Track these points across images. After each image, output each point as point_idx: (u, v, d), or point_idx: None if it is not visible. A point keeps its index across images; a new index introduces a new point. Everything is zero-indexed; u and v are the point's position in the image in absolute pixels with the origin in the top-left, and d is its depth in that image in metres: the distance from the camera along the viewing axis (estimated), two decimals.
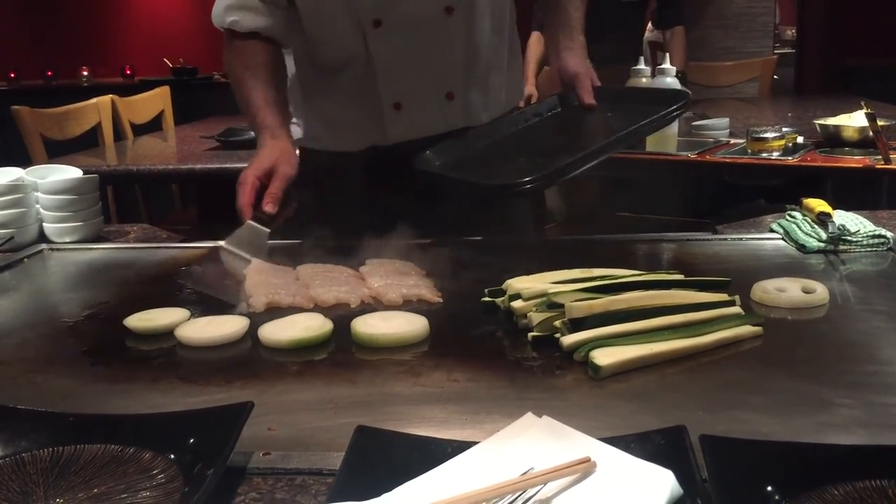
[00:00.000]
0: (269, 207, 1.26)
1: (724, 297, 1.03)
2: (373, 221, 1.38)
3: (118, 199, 3.33)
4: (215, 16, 1.42)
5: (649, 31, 4.31)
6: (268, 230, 1.26)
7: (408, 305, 1.11)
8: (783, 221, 1.39)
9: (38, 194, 1.49)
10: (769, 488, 0.62)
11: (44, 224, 1.49)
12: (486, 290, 1.10)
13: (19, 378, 0.94)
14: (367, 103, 1.43)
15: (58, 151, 3.03)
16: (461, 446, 0.68)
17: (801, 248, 1.29)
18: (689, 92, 1.50)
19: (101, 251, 1.45)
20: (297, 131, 1.56)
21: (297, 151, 1.42)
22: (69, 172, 1.57)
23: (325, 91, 1.49)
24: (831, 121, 2.45)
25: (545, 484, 0.62)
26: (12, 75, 6.81)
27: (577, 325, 0.94)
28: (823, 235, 1.28)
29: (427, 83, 1.42)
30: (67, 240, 1.48)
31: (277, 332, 1.00)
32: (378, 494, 0.61)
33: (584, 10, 1.51)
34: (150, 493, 0.66)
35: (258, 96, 1.37)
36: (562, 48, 1.47)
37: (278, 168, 1.28)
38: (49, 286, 1.29)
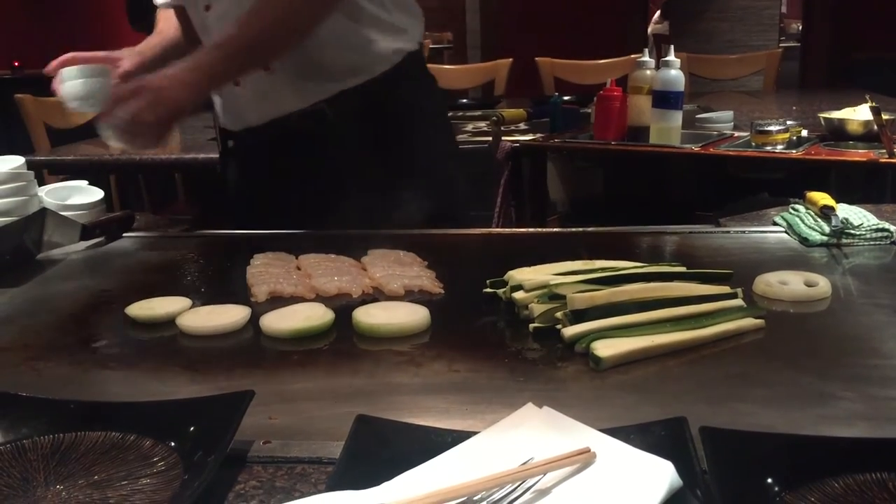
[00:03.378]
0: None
1: (726, 289, 1.03)
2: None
3: (121, 188, 3.33)
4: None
5: (655, 24, 4.30)
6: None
7: (409, 296, 1.11)
8: (786, 214, 1.39)
9: (43, 195, 1.50)
10: (769, 480, 0.62)
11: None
12: (487, 282, 1.09)
13: (21, 365, 0.95)
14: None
15: (61, 140, 3.03)
16: (461, 436, 0.68)
17: (804, 241, 1.29)
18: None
19: (102, 239, 1.45)
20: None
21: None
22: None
23: None
24: (836, 114, 2.44)
25: (545, 474, 0.62)
26: (16, 64, 6.80)
27: (578, 316, 0.94)
28: (826, 229, 1.28)
29: None
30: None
31: (279, 321, 1.00)
32: (378, 483, 0.61)
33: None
34: (151, 480, 0.67)
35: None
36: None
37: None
38: (50, 274, 1.29)
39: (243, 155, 1.63)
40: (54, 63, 1.41)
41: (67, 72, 1.39)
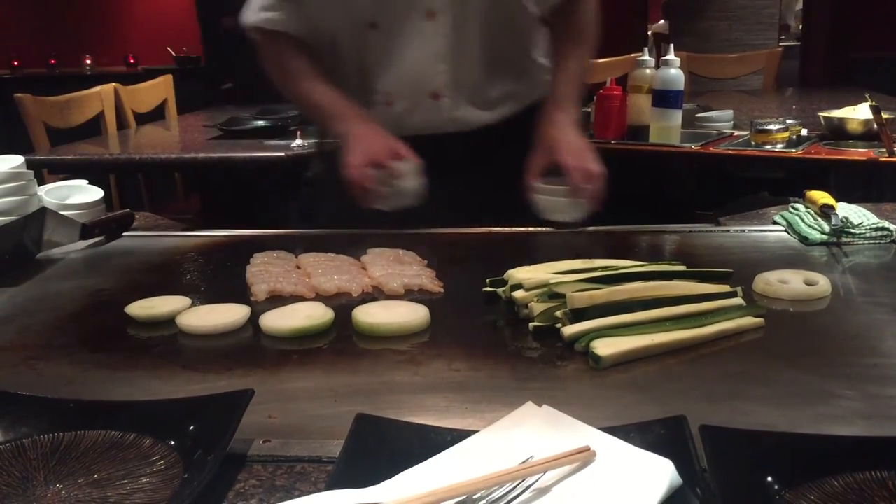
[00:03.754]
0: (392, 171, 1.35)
1: (726, 288, 1.03)
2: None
3: (121, 187, 3.33)
4: (245, 17, 1.50)
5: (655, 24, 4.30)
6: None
7: (409, 295, 1.11)
8: (786, 213, 1.39)
9: (43, 195, 1.50)
10: (769, 479, 0.62)
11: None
12: (487, 280, 1.09)
13: (20, 364, 0.95)
14: (364, 100, 1.50)
15: (61, 140, 3.03)
16: (461, 435, 0.68)
17: (804, 240, 1.29)
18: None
19: (102, 239, 1.45)
20: None
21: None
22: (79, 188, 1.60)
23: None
24: (835, 113, 2.44)
25: (545, 472, 0.62)
26: (16, 63, 6.81)
27: (578, 315, 0.93)
28: (826, 228, 1.28)
29: (412, 83, 1.48)
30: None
31: (279, 320, 1.00)
32: (377, 482, 0.61)
33: (579, 86, 1.52)
34: (150, 479, 0.67)
35: (320, 94, 1.48)
36: (549, 120, 1.46)
37: (379, 146, 1.37)
38: (50, 273, 1.29)
39: None
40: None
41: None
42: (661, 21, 6.96)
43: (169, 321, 1.03)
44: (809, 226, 1.31)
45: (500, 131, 1.54)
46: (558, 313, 0.96)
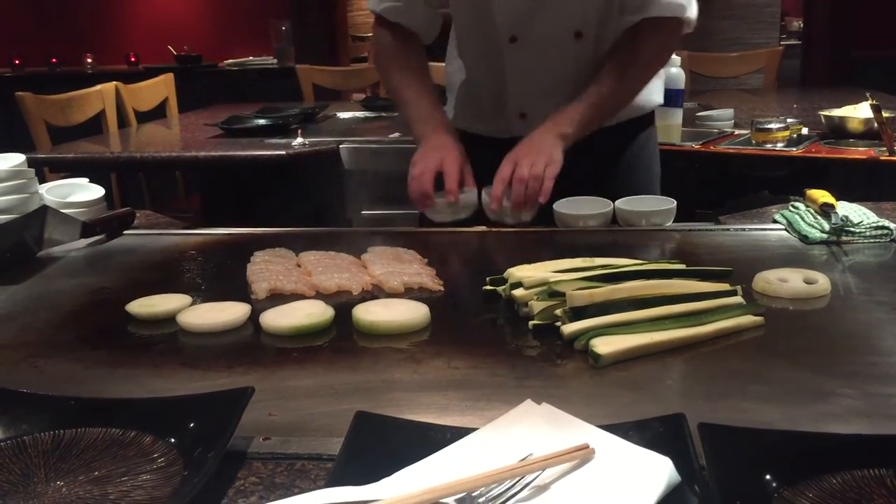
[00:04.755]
0: (451, 198, 1.37)
1: (725, 286, 1.03)
2: None
3: (122, 185, 3.33)
4: (371, 3, 1.58)
5: None
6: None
7: (409, 293, 1.11)
8: (786, 212, 1.39)
9: (44, 193, 1.50)
10: (767, 476, 0.62)
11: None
12: (487, 279, 1.10)
13: (21, 362, 0.95)
14: (498, 109, 1.56)
15: (62, 138, 3.03)
16: (460, 432, 0.69)
17: (804, 238, 1.29)
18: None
19: (103, 237, 1.45)
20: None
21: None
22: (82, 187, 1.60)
23: (468, 88, 1.63)
24: (836, 112, 2.44)
25: (543, 470, 0.62)
26: (16, 62, 6.80)
27: (577, 313, 0.94)
28: (826, 226, 1.28)
29: (551, 98, 1.49)
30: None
31: (279, 318, 1.00)
32: (377, 479, 0.62)
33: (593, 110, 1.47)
34: (151, 476, 0.67)
35: (410, 92, 1.53)
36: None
37: (448, 162, 1.39)
38: (51, 271, 1.29)
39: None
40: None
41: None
42: None
43: (169, 319, 1.03)
44: (809, 224, 1.31)
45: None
46: (558, 311, 0.96)
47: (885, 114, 2.16)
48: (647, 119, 1.67)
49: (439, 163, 1.40)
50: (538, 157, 1.36)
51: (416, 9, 1.55)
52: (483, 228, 1.42)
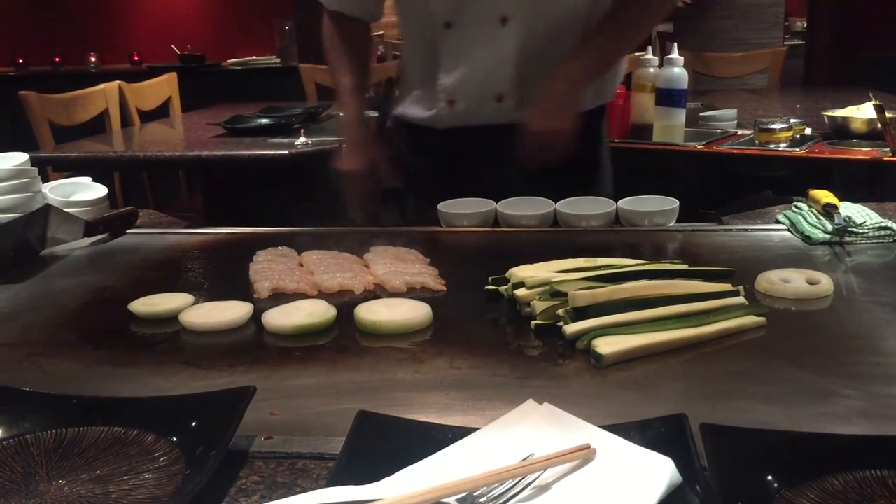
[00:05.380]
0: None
1: (728, 287, 1.03)
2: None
3: (125, 184, 3.34)
4: None
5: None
6: None
7: (411, 293, 1.11)
8: (789, 212, 1.39)
9: (47, 192, 1.50)
10: (769, 477, 0.62)
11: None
12: (489, 279, 1.10)
13: (24, 361, 0.95)
14: (430, 95, 1.57)
15: (65, 137, 3.04)
16: (462, 432, 0.69)
17: (807, 239, 1.29)
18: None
19: (106, 236, 1.46)
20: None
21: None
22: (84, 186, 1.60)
23: (408, 72, 1.66)
24: (839, 112, 2.44)
25: (545, 470, 0.62)
26: (20, 61, 6.81)
27: (580, 313, 0.94)
28: (829, 227, 1.27)
29: (479, 85, 1.51)
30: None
31: (281, 317, 1.00)
32: (379, 479, 0.62)
33: (618, 47, 1.51)
34: (153, 475, 0.67)
35: (343, 80, 1.59)
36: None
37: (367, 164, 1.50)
38: (54, 270, 1.29)
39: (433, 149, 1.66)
40: None
41: None
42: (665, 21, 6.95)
43: (172, 318, 1.04)
44: (812, 225, 1.30)
45: None
46: (560, 311, 0.96)
47: (888, 114, 2.16)
48: (596, 114, 1.64)
49: (358, 163, 1.52)
50: (556, 111, 1.40)
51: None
52: (487, 228, 1.42)
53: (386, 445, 0.67)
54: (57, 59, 6.85)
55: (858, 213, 1.29)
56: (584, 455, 0.63)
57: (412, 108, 1.64)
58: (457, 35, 1.49)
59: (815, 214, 1.33)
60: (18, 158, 1.49)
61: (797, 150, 2.29)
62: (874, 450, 0.65)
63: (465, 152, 1.56)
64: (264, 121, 2.99)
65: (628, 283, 0.99)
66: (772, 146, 2.31)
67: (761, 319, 0.97)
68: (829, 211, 1.30)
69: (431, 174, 1.60)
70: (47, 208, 1.36)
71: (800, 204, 1.39)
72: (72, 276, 1.27)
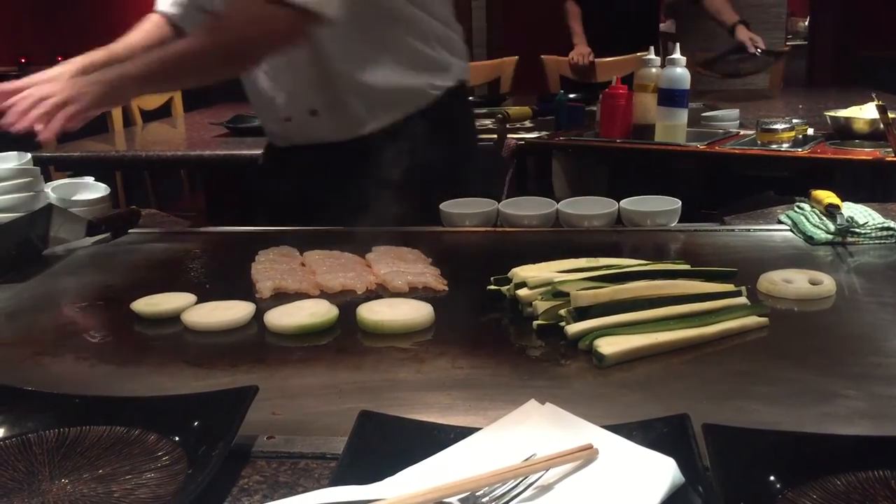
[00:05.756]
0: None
1: (730, 287, 1.03)
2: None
3: (127, 184, 3.34)
4: (159, 3, 1.65)
5: (661, 22, 4.29)
6: None
7: (413, 293, 1.11)
8: (791, 213, 1.39)
9: (49, 191, 1.51)
10: (771, 477, 0.62)
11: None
12: (491, 279, 1.10)
13: (27, 360, 0.95)
14: (269, 114, 1.64)
15: (67, 137, 3.03)
16: (464, 432, 0.69)
17: (809, 239, 1.29)
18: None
19: (108, 235, 1.46)
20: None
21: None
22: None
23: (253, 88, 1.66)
24: (842, 113, 2.43)
25: (547, 470, 0.62)
26: (22, 60, 6.82)
27: (582, 313, 0.94)
28: (831, 227, 1.27)
29: (293, 101, 1.56)
30: None
31: (283, 317, 1.00)
32: (380, 479, 0.62)
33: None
34: (155, 474, 0.67)
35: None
36: None
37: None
38: (56, 269, 1.29)
39: (283, 165, 1.71)
40: None
41: None
42: (667, 20, 6.94)
43: (174, 318, 1.04)
44: (815, 225, 1.30)
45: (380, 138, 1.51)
46: (562, 311, 0.96)
47: (890, 114, 2.15)
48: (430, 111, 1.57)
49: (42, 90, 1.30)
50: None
51: (188, 12, 1.61)
52: (489, 228, 1.42)
53: (388, 445, 0.67)
54: (59, 59, 6.86)
55: (861, 214, 1.29)
56: (586, 455, 0.63)
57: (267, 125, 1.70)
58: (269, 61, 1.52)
59: (817, 215, 1.33)
60: (21, 158, 1.49)
61: (799, 150, 2.28)
62: (877, 450, 0.65)
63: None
64: None
65: (630, 284, 0.99)
66: (774, 146, 2.31)
67: (763, 320, 0.97)
68: (831, 211, 1.30)
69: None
70: (49, 208, 1.36)
71: (802, 204, 1.39)
72: (74, 275, 1.27)
